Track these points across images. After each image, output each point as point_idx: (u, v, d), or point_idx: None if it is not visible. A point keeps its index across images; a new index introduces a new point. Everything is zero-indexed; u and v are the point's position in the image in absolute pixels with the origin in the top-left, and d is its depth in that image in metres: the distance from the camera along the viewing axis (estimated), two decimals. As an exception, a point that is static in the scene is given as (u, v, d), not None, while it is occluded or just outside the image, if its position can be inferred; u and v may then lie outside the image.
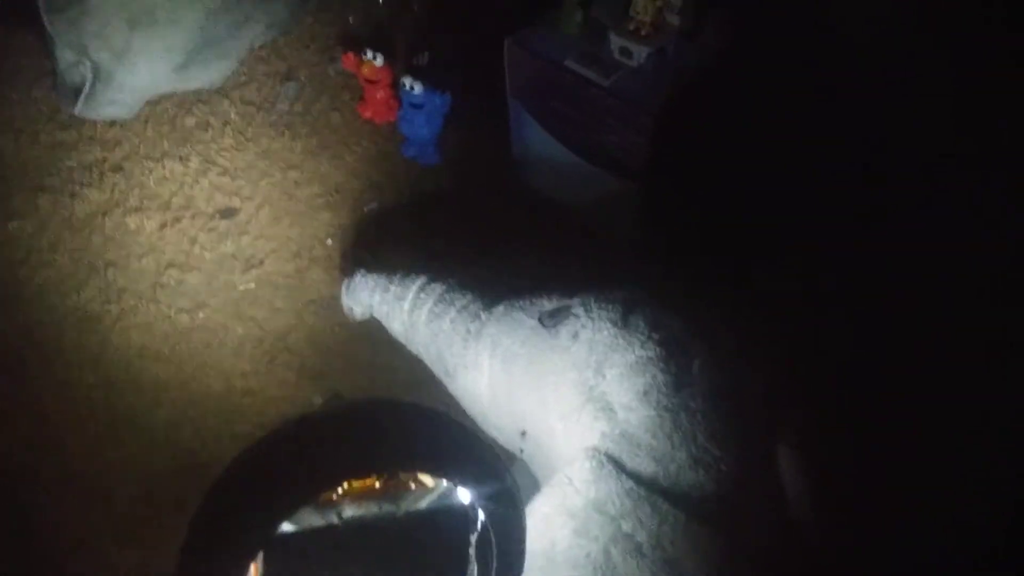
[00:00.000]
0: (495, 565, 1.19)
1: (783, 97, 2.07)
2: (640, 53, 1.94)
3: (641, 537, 1.35)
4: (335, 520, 1.12)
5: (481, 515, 1.16)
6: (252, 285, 2.21)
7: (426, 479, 1.22)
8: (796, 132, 2.10)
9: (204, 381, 2.05)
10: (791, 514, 1.42)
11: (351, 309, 2.01)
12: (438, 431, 1.18)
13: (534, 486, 1.51)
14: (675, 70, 1.96)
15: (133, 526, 1.84)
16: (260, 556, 1.07)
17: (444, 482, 1.17)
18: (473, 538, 1.17)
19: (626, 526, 1.36)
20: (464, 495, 1.16)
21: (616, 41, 1.96)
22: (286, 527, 1.09)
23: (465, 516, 1.16)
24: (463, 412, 1.78)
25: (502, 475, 1.17)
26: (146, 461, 1.93)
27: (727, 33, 2.03)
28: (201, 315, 2.15)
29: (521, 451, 1.66)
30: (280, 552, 1.08)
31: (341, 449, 1.12)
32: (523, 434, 1.63)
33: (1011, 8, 1.86)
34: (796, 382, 1.61)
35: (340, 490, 1.18)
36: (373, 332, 2.01)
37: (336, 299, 2.08)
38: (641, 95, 1.93)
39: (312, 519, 1.12)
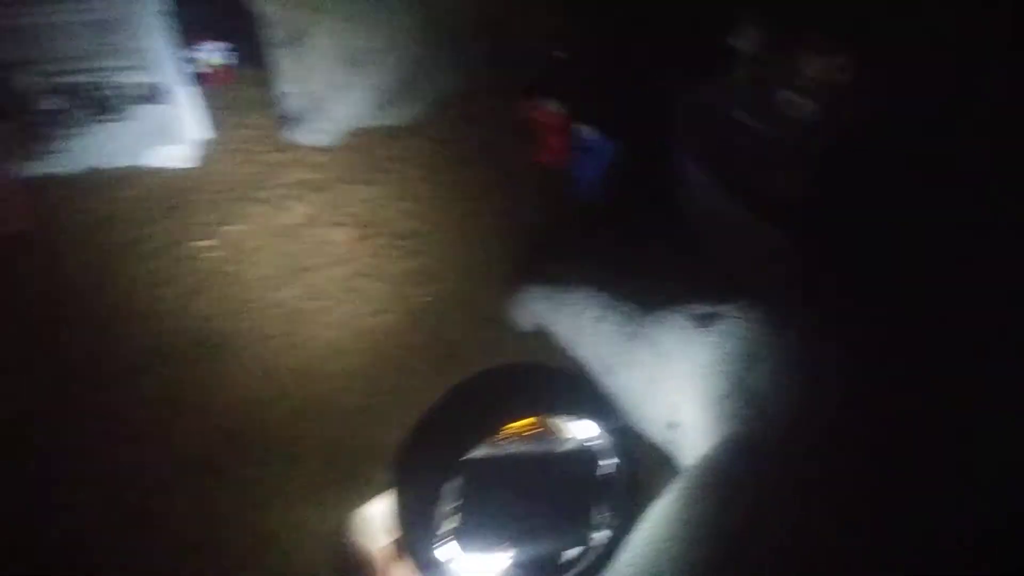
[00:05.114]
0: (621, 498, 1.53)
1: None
2: (806, 106, 2.10)
3: None
4: (505, 453, 1.48)
5: (612, 458, 1.51)
6: (429, 299, 2.44)
7: (573, 424, 1.53)
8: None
9: (385, 376, 2.28)
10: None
11: (522, 320, 2.21)
12: (587, 390, 1.63)
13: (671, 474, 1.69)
14: (839, 124, 2.10)
15: (317, 489, 2.06)
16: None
17: (589, 428, 1.52)
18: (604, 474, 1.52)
19: None
20: (601, 438, 1.52)
21: (783, 94, 2.12)
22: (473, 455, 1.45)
23: (596, 456, 1.52)
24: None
25: (629, 432, 1.56)
26: (333, 438, 2.16)
27: (888, 90, 2.16)
28: (384, 319, 2.39)
29: (668, 442, 1.81)
30: (469, 471, 1.44)
31: (518, 395, 1.53)
32: (670, 426, 1.78)
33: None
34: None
35: (509, 430, 1.51)
36: (541, 344, 2.18)
37: (508, 315, 2.28)
38: (805, 146, 2.08)
39: (489, 451, 1.47)
